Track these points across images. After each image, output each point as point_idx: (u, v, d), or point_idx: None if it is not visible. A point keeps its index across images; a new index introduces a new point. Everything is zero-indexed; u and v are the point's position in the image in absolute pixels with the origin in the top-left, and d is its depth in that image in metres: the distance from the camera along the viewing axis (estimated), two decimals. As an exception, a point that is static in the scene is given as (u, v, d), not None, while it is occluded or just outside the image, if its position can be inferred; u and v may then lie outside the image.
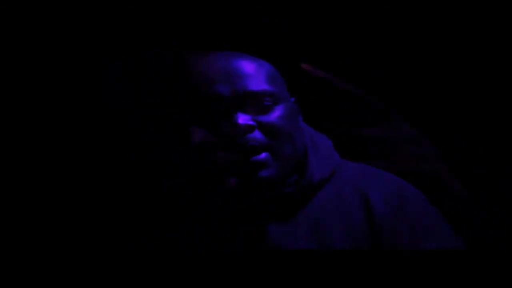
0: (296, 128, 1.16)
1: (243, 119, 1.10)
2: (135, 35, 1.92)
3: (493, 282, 1.13)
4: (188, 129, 1.08)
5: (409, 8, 1.93)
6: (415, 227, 1.19)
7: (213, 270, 1.14)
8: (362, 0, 1.93)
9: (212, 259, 1.15)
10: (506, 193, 1.92)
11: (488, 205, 1.93)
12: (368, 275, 1.07)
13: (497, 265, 1.15)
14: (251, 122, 1.11)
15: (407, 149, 1.14)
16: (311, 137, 1.22)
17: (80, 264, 1.35)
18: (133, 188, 1.94)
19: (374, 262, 1.08)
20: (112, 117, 1.94)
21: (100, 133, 1.90)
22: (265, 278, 1.13)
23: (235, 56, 1.17)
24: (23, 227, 1.82)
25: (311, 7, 1.94)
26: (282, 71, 1.22)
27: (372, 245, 1.14)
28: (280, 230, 1.13)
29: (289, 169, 1.14)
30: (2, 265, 1.58)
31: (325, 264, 1.08)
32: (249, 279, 1.13)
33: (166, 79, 1.92)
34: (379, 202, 1.18)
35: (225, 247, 1.16)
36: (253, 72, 1.14)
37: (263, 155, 1.09)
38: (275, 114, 1.13)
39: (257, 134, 1.11)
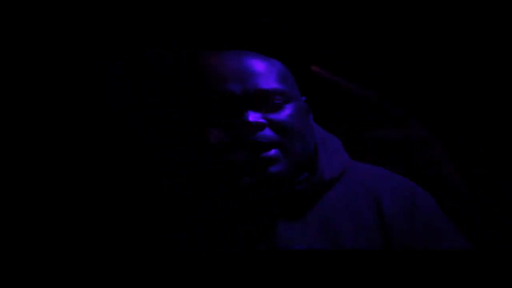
0: (306, 126, 1.17)
1: (253, 117, 1.11)
2: (135, 35, 1.92)
3: (493, 282, 1.13)
4: (203, 128, 1.09)
5: (409, 8, 1.93)
6: (425, 228, 1.20)
7: (213, 270, 1.14)
8: (362, 0, 1.93)
9: (212, 259, 1.15)
10: (506, 193, 1.92)
11: (488, 205, 1.93)
12: (376, 274, 1.08)
13: (497, 265, 1.15)
14: (261, 120, 1.12)
15: (420, 153, 1.14)
16: (321, 137, 1.23)
17: (80, 264, 1.35)
18: (133, 188, 1.94)
19: (383, 262, 1.08)
20: (112, 117, 1.94)
21: (100, 133, 1.90)
22: (266, 278, 1.13)
23: (247, 55, 1.18)
24: (23, 227, 1.82)
25: (312, 7, 1.94)
26: (293, 71, 1.23)
27: (382, 245, 1.15)
28: (291, 228, 1.14)
29: (299, 166, 1.15)
30: (2, 265, 1.58)
31: (329, 263, 1.08)
32: (250, 279, 1.13)
33: (168, 78, 1.92)
34: (390, 203, 1.19)
35: (225, 247, 1.16)
36: (264, 71, 1.16)
37: (273, 151, 1.10)
38: (286, 113, 1.14)
39: (267, 132, 1.12)
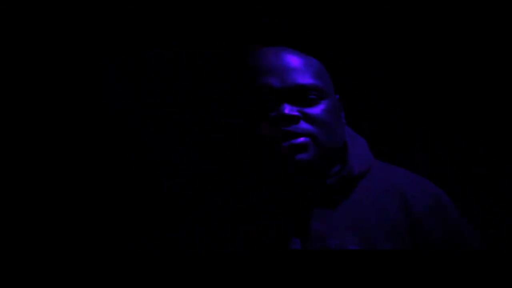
0: (338, 123, 1.23)
1: (289, 109, 1.16)
2: (135, 35, 1.92)
3: (493, 282, 1.14)
4: (252, 121, 1.14)
5: (409, 8, 1.93)
6: (450, 228, 1.25)
7: (213, 270, 1.14)
8: (362, 0, 1.93)
9: (212, 259, 1.15)
10: (506, 193, 1.92)
11: (488, 205, 1.93)
12: (407, 273, 1.10)
13: (498, 265, 1.16)
14: (296, 113, 1.17)
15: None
16: (349, 135, 1.28)
17: (81, 264, 1.35)
18: (133, 188, 1.94)
19: (413, 261, 1.12)
20: (112, 117, 1.94)
21: (100, 133, 1.91)
22: (274, 278, 1.13)
23: (286, 51, 1.23)
24: (23, 227, 1.82)
25: (312, 7, 1.95)
26: (328, 69, 1.27)
27: (409, 242, 1.20)
28: (323, 222, 1.17)
29: (328, 159, 1.21)
30: (3, 265, 1.59)
31: (336, 263, 1.10)
32: (251, 279, 1.13)
33: (169, 78, 1.92)
34: (417, 201, 1.24)
35: (226, 247, 1.17)
36: (302, 67, 1.21)
37: (301, 139, 1.15)
38: (320, 108, 1.20)
39: (301, 125, 1.17)
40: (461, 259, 1.15)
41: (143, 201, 1.29)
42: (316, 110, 1.19)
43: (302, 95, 1.18)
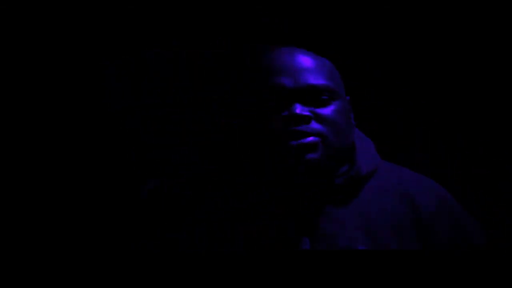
0: (348, 124, 1.25)
1: (300, 109, 1.18)
2: (135, 35, 1.92)
3: (493, 282, 1.14)
4: (264, 120, 1.15)
5: (409, 8, 1.93)
6: (457, 227, 1.27)
7: (213, 270, 1.14)
8: (362, 0, 1.93)
9: (212, 259, 1.15)
10: (506, 193, 1.92)
11: (488, 205, 1.93)
12: (416, 274, 1.12)
13: (498, 265, 1.16)
14: (307, 113, 1.18)
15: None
16: (357, 135, 1.29)
17: (80, 264, 1.35)
18: (133, 188, 1.94)
19: (419, 260, 1.13)
20: (112, 117, 1.94)
21: (100, 133, 1.91)
22: (272, 278, 1.13)
23: (300, 51, 1.25)
24: (23, 227, 1.82)
25: (312, 7, 1.95)
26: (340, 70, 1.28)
27: (417, 241, 1.22)
28: (331, 222, 1.19)
29: (337, 160, 1.22)
30: (3, 265, 1.59)
31: (368, 262, 1.12)
32: (251, 279, 1.14)
33: (168, 78, 1.92)
34: (423, 201, 1.26)
35: (226, 247, 1.17)
36: (315, 68, 1.23)
37: (310, 138, 1.16)
38: (331, 108, 1.21)
39: (312, 125, 1.19)
40: (468, 258, 1.16)
41: (143, 201, 1.29)
42: (327, 110, 1.20)
43: (314, 96, 1.20)
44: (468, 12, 1.91)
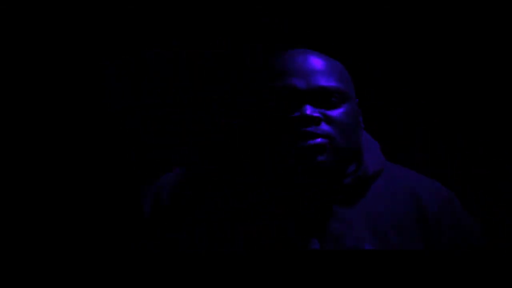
0: (356, 126, 1.27)
1: (311, 110, 1.19)
2: (135, 35, 1.92)
3: (493, 282, 1.15)
4: (273, 121, 1.19)
5: (409, 8, 1.93)
6: (460, 229, 1.29)
7: (213, 270, 1.14)
8: (362, 0, 1.93)
9: (212, 259, 1.15)
10: (506, 193, 1.92)
11: (488, 205, 1.93)
12: (419, 273, 1.13)
13: (498, 265, 1.16)
14: (317, 114, 1.20)
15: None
16: (364, 138, 1.31)
17: (80, 264, 1.35)
18: (133, 187, 1.94)
19: (424, 260, 1.14)
20: (112, 117, 1.94)
21: (100, 133, 1.91)
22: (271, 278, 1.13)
23: (312, 54, 1.27)
24: (23, 226, 1.82)
25: (312, 7, 1.94)
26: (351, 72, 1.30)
27: (422, 242, 1.24)
28: (339, 222, 1.22)
29: (343, 161, 1.24)
30: (2, 265, 1.59)
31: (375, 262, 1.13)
32: (252, 280, 1.14)
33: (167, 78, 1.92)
34: (429, 202, 1.28)
35: (227, 247, 1.17)
36: (326, 70, 1.24)
37: (319, 139, 1.18)
38: (341, 111, 1.23)
39: (322, 126, 1.20)
40: (468, 258, 1.17)
41: (143, 201, 1.29)
42: (337, 112, 1.21)
43: (325, 98, 1.21)
44: (468, 12, 1.91)
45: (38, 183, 1.85)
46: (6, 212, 1.82)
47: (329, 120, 1.20)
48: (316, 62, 1.23)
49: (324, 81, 1.21)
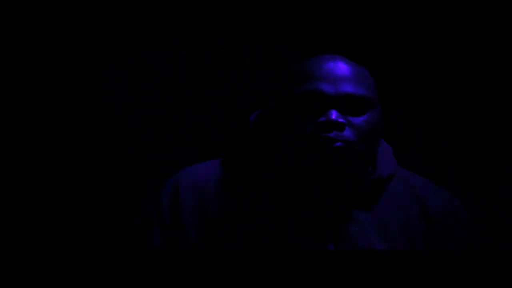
0: (377, 133, 1.29)
1: (336, 115, 1.21)
2: (135, 35, 1.93)
3: (493, 282, 1.15)
4: (299, 123, 1.21)
5: (409, 8, 1.93)
6: (463, 232, 1.31)
7: (213, 270, 1.14)
8: (362, 0, 1.93)
9: (212, 259, 1.15)
10: (506, 193, 1.92)
11: (488, 205, 1.93)
12: (422, 274, 1.14)
13: (498, 265, 1.16)
14: (342, 120, 1.21)
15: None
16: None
17: (80, 264, 1.35)
18: (133, 187, 1.94)
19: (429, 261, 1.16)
20: (112, 117, 1.94)
21: (100, 133, 1.91)
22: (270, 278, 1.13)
23: (341, 59, 1.29)
24: (23, 226, 1.82)
25: (312, 7, 1.95)
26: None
27: (422, 243, 1.27)
28: (353, 223, 1.24)
29: (360, 165, 1.26)
30: (2, 265, 1.59)
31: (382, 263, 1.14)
32: (252, 280, 1.14)
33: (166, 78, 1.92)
34: (435, 207, 1.30)
35: (235, 247, 1.18)
36: (354, 77, 1.26)
37: (339, 143, 1.20)
38: (365, 118, 1.25)
39: (345, 132, 1.22)
40: (468, 258, 1.18)
41: (142, 201, 1.29)
42: (361, 119, 1.23)
43: (351, 104, 1.23)
44: (468, 12, 1.91)
45: (38, 183, 1.85)
46: (6, 212, 1.82)
47: (352, 126, 1.22)
48: (345, 68, 1.25)
49: (352, 88, 1.23)
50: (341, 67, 1.25)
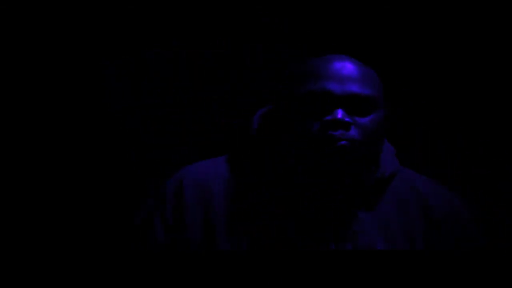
0: (381, 134, 1.30)
1: (342, 114, 1.22)
2: (135, 35, 1.93)
3: (493, 282, 1.15)
4: (305, 122, 1.22)
5: (409, 8, 1.93)
6: (464, 233, 1.31)
7: (213, 270, 1.14)
8: (362, 0, 1.93)
9: (213, 259, 1.15)
10: (506, 193, 1.92)
11: (488, 205, 1.93)
12: (422, 273, 1.14)
13: (497, 265, 1.17)
14: (348, 119, 1.22)
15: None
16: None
17: (80, 264, 1.35)
18: (133, 187, 1.94)
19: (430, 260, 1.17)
20: (112, 117, 1.94)
21: (100, 133, 1.91)
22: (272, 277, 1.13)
23: (349, 59, 1.30)
24: (23, 226, 1.82)
25: (311, 7, 1.95)
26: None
27: (422, 243, 1.27)
28: (355, 222, 1.24)
29: (362, 165, 1.27)
30: (2, 265, 1.59)
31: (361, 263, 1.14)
32: (252, 280, 1.14)
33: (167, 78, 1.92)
34: (436, 207, 1.31)
35: (234, 246, 1.18)
36: (362, 77, 1.27)
37: (343, 142, 1.21)
38: (370, 118, 1.26)
39: (351, 132, 1.23)
40: (468, 258, 1.18)
41: (142, 201, 1.29)
42: (367, 119, 1.24)
43: (357, 104, 1.23)
44: (468, 12, 1.91)
45: (38, 183, 1.85)
46: (6, 211, 1.82)
47: (357, 126, 1.22)
48: (352, 68, 1.26)
49: (358, 88, 1.24)
50: (349, 67, 1.25)
